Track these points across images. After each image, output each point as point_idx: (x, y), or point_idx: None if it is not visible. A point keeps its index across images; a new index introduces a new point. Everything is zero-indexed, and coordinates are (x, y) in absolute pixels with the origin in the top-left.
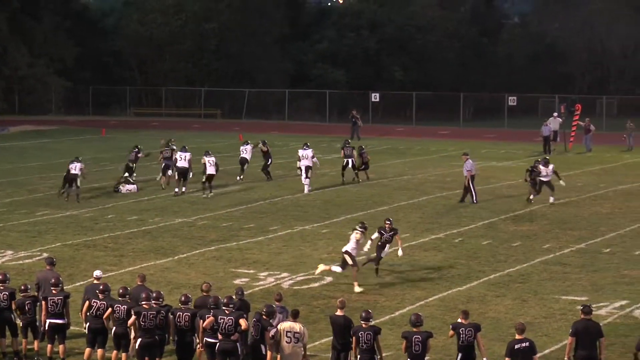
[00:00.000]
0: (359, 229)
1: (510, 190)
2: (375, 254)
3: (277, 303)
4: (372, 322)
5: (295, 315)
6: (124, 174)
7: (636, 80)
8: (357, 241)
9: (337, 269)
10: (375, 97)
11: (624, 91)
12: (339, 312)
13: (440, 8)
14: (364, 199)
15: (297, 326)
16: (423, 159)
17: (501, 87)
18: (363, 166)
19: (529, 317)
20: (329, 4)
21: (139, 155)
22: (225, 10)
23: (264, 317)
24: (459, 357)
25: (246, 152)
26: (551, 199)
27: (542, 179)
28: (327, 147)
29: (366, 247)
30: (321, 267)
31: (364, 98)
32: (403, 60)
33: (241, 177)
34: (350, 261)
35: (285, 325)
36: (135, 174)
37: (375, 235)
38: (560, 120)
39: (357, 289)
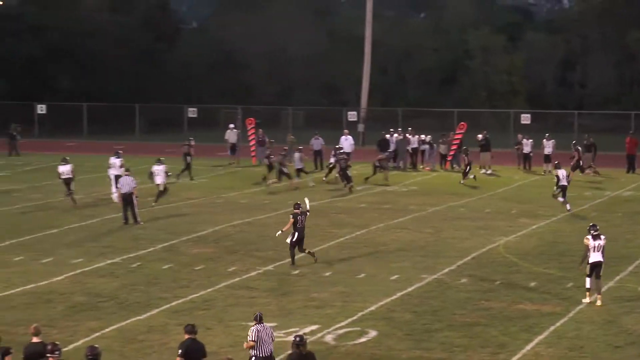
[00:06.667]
0: None
1: (192, 210)
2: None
3: None
4: (59, 356)
5: None
6: None
7: (322, 89)
8: None
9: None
10: (41, 108)
11: (310, 101)
12: (35, 340)
13: (111, 12)
14: (30, 221)
15: None
16: (95, 176)
17: (180, 97)
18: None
19: (214, 347)
20: None
21: None
22: None
23: None
24: None
25: None
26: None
27: None
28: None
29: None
30: None
31: (28, 110)
32: (71, 68)
33: None
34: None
35: None
36: None
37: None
38: (238, 131)
39: None
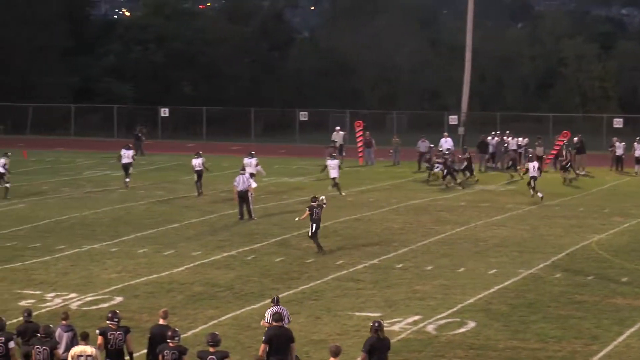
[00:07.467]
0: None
1: (303, 207)
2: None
3: (63, 322)
4: (178, 341)
5: (85, 338)
6: None
7: (424, 95)
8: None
9: None
10: (164, 112)
11: (413, 106)
12: (161, 322)
13: (229, 22)
14: (154, 216)
15: (88, 349)
16: (215, 174)
17: (292, 102)
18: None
19: (323, 335)
20: (115, 17)
21: None
22: (10, 22)
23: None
24: None
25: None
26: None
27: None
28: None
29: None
30: None
31: (152, 113)
32: (192, 74)
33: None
34: None
35: (77, 349)
36: None
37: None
38: (344, 133)
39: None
